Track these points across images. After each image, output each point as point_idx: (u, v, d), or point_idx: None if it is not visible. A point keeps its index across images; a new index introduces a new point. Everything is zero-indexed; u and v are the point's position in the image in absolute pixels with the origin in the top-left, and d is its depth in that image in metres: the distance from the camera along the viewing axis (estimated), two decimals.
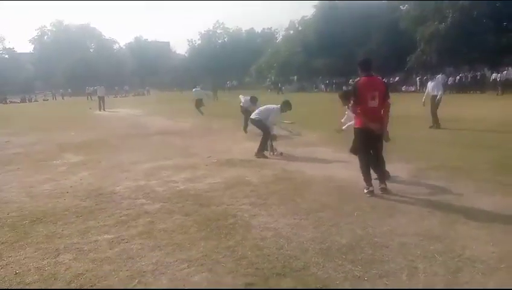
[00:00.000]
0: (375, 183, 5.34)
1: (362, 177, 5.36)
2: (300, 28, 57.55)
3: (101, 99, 26.75)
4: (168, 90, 51.09)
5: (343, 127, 7.10)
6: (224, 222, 4.45)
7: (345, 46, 41.72)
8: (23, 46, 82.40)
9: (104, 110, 25.55)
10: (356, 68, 5.51)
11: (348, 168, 6.37)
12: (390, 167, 5.81)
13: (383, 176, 5.42)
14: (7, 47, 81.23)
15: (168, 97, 43.18)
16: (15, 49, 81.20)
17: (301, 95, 38.99)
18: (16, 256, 3.78)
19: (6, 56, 79.93)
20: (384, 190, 5.28)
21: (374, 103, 5.27)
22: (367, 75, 5.30)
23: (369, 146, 5.42)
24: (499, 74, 27.38)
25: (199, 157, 8.43)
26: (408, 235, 3.89)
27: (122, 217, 4.74)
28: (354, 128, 5.50)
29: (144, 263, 3.52)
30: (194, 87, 21.08)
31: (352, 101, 5.29)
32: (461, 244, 3.63)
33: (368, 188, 5.27)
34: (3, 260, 3.72)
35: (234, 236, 4.04)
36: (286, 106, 8.32)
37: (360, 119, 5.33)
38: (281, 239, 3.91)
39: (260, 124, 8.42)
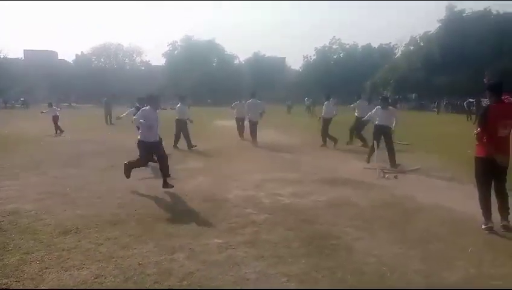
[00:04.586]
0: (496, 218, 4.85)
1: (480, 211, 4.93)
2: (422, 44, 54.48)
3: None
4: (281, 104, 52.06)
5: None
6: (326, 241, 4.49)
7: (472, 63, 38.31)
8: (157, 59, 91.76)
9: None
10: (481, 88, 5.11)
11: (464, 199, 5.88)
12: None
13: (507, 212, 4.89)
14: (144, 60, 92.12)
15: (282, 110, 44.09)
16: (150, 62, 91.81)
17: (419, 114, 36.74)
18: (140, 249, 4.30)
19: (143, 68, 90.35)
20: (507, 228, 4.77)
21: (505, 132, 4.82)
22: (498, 100, 4.88)
23: (491, 178, 4.95)
24: None
25: (305, 172, 8.56)
26: None
27: (231, 224, 5.08)
28: (475, 156, 5.07)
29: (247, 271, 3.75)
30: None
31: (479, 128, 4.90)
32: None
33: (487, 224, 4.81)
34: (130, 250, 4.26)
35: (335, 257, 4.06)
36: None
37: (484, 148, 4.91)
38: (384, 267, 3.81)
39: None
